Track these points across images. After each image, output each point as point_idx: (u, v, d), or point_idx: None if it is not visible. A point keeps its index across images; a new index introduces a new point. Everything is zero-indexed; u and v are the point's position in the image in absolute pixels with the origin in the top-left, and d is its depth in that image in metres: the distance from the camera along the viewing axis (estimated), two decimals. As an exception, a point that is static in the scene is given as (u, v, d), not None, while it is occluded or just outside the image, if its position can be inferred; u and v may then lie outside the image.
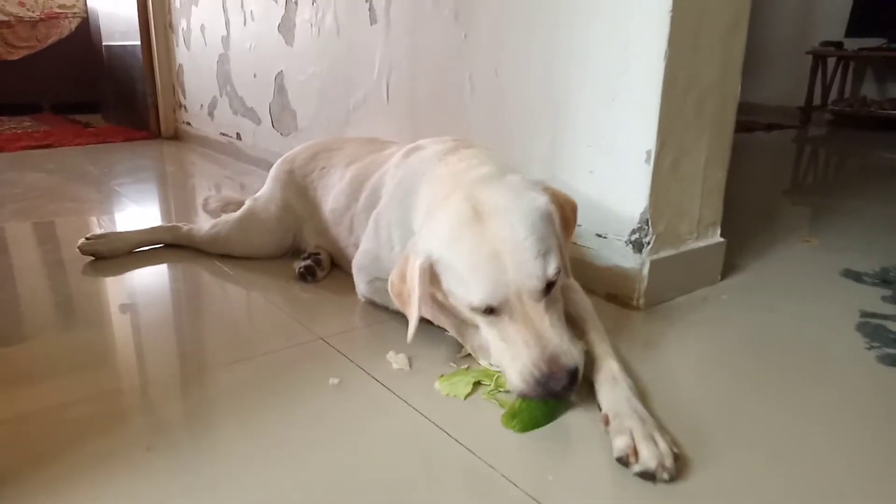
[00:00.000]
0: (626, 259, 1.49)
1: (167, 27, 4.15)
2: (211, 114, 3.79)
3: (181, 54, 4.06)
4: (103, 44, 5.04)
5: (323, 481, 0.90)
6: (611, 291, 1.52)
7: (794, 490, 0.89)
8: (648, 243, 1.46)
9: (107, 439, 1.00)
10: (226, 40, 3.42)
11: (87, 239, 1.85)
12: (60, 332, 1.41)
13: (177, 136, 4.36)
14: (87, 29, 5.42)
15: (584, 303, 1.25)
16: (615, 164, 1.47)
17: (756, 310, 1.51)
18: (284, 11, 2.81)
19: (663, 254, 1.50)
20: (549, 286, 1.03)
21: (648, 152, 1.41)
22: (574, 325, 1.16)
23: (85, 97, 5.70)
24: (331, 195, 1.72)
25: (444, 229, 1.08)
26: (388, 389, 1.13)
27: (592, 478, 0.92)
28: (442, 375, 1.13)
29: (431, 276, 1.09)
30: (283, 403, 1.10)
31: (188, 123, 4.17)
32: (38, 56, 5.88)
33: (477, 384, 1.00)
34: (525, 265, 1.01)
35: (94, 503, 0.85)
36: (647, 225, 1.45)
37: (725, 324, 1.44)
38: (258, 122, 3.25)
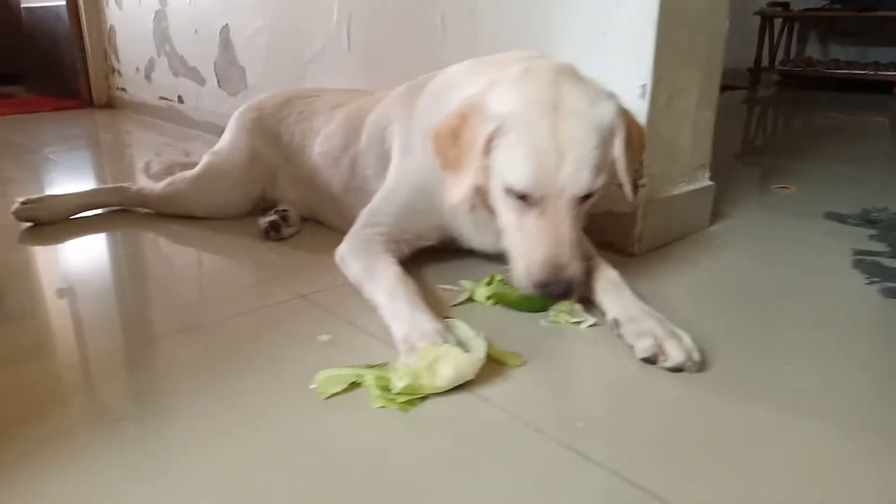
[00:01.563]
0: (621, 204, 1.42)
1: (95, -15, 3.83)
2: (148, 77, 3.53)
3: (112, 14, 3.76)
4: (22, 6, 4.63)
5: (335, 444, 0.80)
6: (605, 239, 1.45)
7: (808, 388, 0.87)
8: (644, 185, 1.39)
9: (71, 412, 0.86)
10: (162, -5, 3.17)
11: (22, 203, 1.65)
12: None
13: (110, 104, 4.06)
14: (2, -9, 4.97)
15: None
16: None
17: (750, 253, 1.48)
18: (228, -41, 2.60)
19: (657, 197, 1.44)
20: (587, 197, 1.04)
21: (643, 87, 1.33)
22: None
23: (4, 67, 5.25)
24: (317, 139, 1.59)
25: (523, 104, 1.03)
26: (387, 344, 1.02)
27: (620, 405, 0.85)
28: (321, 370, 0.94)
29: (488, 144, 1.04)
30: (270, 364, 0.98)
31: (122, 89, 3.88)
32: (-54, 22, 5.37)
33: (354, 384, 0.89)
34: (581, 172, 1.01)
35: (45, 485, 0.72)
36: (642, 166, 1.38)
37: (724, 267, 1.40)
38: (202, 82, 3.03)
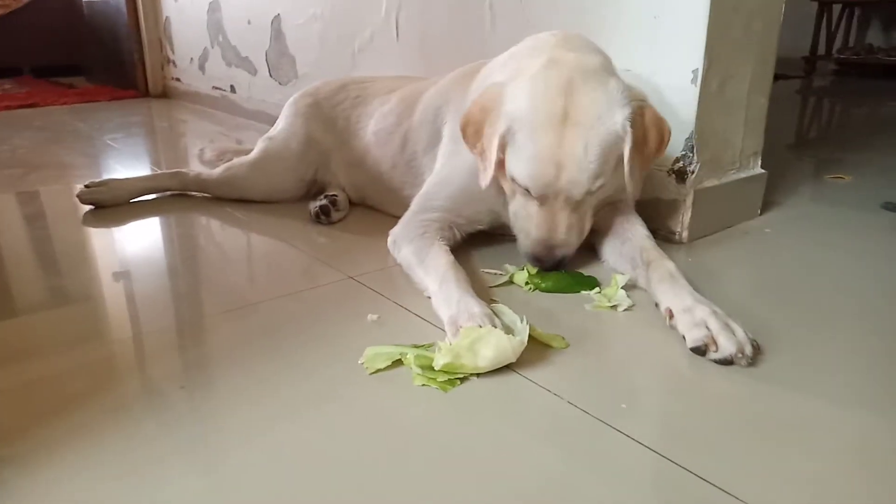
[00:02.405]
0: (668, 191, 1.41)
1: (152, -23, 3.95)
2: (202, 67, 3.63)
3: (168, 6, 3.87)
4: (84, 0, 4.81)
5: (380, 419, 0.83)
6: (652, 226, 1.43)
7: (861, 382, 0.85)
8: (693, 173, 1.38)
9: (127, 388, 0.91)
10: (216, -13, 3.25)
11: (86, 187, 1.73)
12: (65, 290, 1.31)
13: (165, 94, 4.19)
14: (66, -14, 5.18)
15: (634, 216, 1.29)
16: (658, 88, 1.37)
17: (803, 241, 1.45)
18: (281, -50, 2.65)
19: (706, 184, 1.42)
20: (589, 195, 1.13)
21: (695, 72, 1.31)
22: (625, 235, 1.25)
23: (67, 59, 5.47)
24: (372, 119, 1.64)
25: (532, 110, 1.10)
26: (434, 325, 1.05)
27: (666, 387, 0.86)
28: (370, 347, 0.97)
29: (502, 142, 1.14)
30: (319, 341, 1.01)
31: (177, 79, 4.00)
32: (15, 15, 5.62)
33: (398, 362, 0.92)
34: (578, 181, 1.10)
35: (92, 462, 0.77)
36: (692, 152, 1.37)
37: (775, 255, 1.37)
38: (254, 72, 3.10)
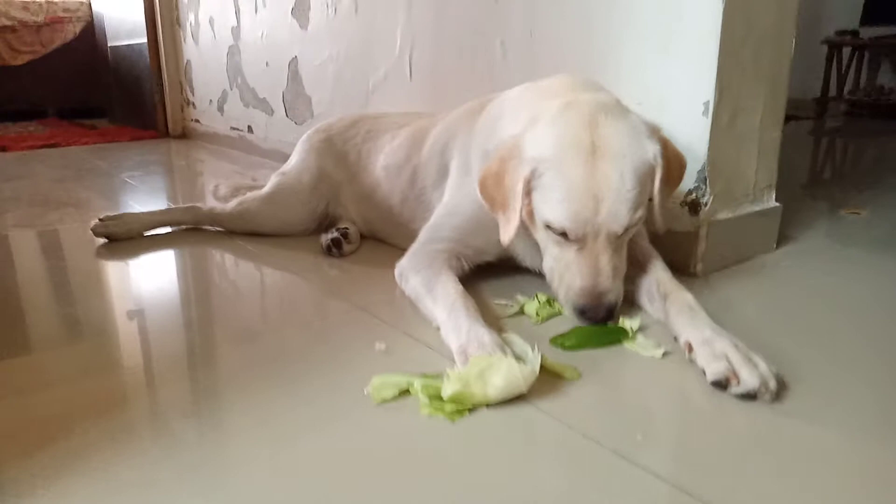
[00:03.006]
0: (682, 223, 1.39)
1: (174, 23, 4.08)
2: (221, 108, 3.71)
3: (189, 50, 3.98)
4: (108, 45, 4.97)
5: (384, 449, 0.80)
6: (666, 258, 1.41)
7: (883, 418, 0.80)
8: (706, 204, 1.37)
9: (135, 412, 0.90)
10: (236, 31, 3.35)
11: (100, 220, 1.75)
12: (77, 328, 1.31)
13: (185, 135, 4.27)
14: (91, 32, 5.36)
15: (648, 246, 1.26)
16: (669, 120, 1.36)
17: (822, 274, 1.42)
18: (298, -6, 2.73)
19: (720, 216, 1.40)
20: (626, 230, 1.07)
21: (706, 104, 1.31)
22: (641, 267, 1.20)
23: (91, 101, 5.63)
24: (382, 153, 1.65)
25: (557, 147, 1.06)
26: (440, 354, 1.03)
27: (683, 420, 0.82)
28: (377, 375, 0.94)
29: (526, 185, 1.08)
30: (326, 370, 1.00)
31: (196, 121, 4.09)
32: (42, 61, 5.81)
33: (405, 392, 0.89)
34: (617, 214, 1.04)
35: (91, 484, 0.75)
36: (705, 184, 1.36)
37: (793, 287, 1.35)
38: (271, 112, 3.16)
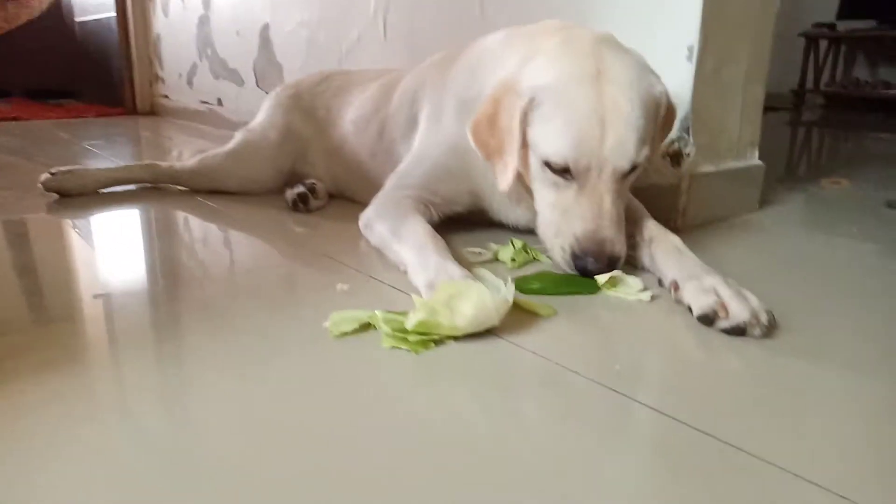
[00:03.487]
0: (664, 175, 1.34)
1: (144, -5, 3.94)
2: (190, 82, 3.59)
3: (159, 23, 3.85)
4: (76, 20, 4.81)
5: (340, 381, 0.73)
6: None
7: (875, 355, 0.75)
8: (689, 155, 1.31)
9: (92, 341, 0.82)
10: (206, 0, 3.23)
11: (51, 174, 1.64)
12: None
13: (153, 111, 4.14)
14: (59, 7, 5.18)
15: (631, 196, 1.15)
16: (653, 65, 1.31)
17: (808, 231, 1.39)
18: (271, -42, 2.64)
19: (703, 170, 1.35)
20: (631, 170, 0.98)
21: (691, 48, 1.26)
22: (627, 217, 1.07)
23: (59, 81, 5.42)
24: (351, 107, 1.58)
25: (559, 74, 0.97)
26: (406, 294, 0.95)
27: (668, 352, 0.76)
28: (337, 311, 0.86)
29: (524, 119, 0.98)
30: (285, 307, 0.92)
31: (165, 96, 3.96)
32: (6, 38, 5.60)
33: (368, 325, 0.81)
34: (625, 144, 0.95)
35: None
36: (688, 134, 1.30)
37: (779, 243, 1.30)
38: (241, 83, 3.06)
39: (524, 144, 1.01)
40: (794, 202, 1.64)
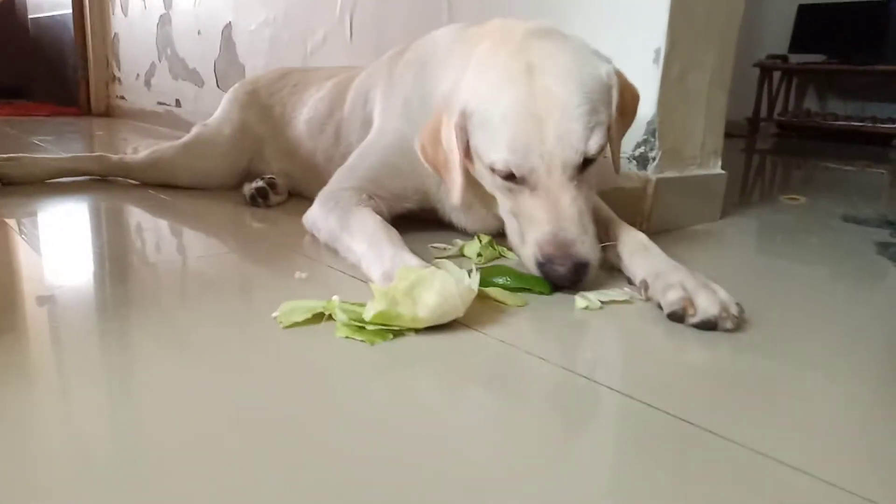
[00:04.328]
0: (630, 178, 1.33)
1: (103, -7, 3.84)
2: (148, 83, 3.49)
3: (117, 22, 3.75)
4: (29, 16, 4.66)
5: (285, 375, 0.68)
6: (611, 215, 1.36)
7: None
8: (654, 159, 1.31)
9: (39, 325, 0.75)
10: (168, -1, 3.16)
11: (-7, 160, 1.56)
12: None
13: (109, 113, 4.01)
14: (11, 2, 5.01)
15: (596, 197, 1.10)
16: (620, 67, 1.31)
17: (769, 239, 1.41)
18: (236, -43, 2.59)
19: (667, 174, 1.35)
20: (586, 164, 0.90)
21: (657, 51, 1.26)
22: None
23: (8, 79, 5.23)
24: (307, 106, 1.52)
25: (486, 80, 0.92)
26: (366, 284, 0.91)
27: (639, 345, 0.74)
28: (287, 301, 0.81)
29: (462, 133, 0.93)
30: (239, 297, 0.87)
31: (122, 97, 3.84)
32: (-47, 33, 5.38)
33: (321, 315, 0.76)
34: (569, 135, 0.87)
35: None
36: (654, 137, 1.30)
37: (742, 250, 1.32)
38: (201, 83, 2.98)
39: (468, 156, 0.97)
40: (753, 215, 1.66)
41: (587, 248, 0.88)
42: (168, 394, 0.60)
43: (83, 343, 0.71)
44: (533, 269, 0.92)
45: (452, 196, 0.98)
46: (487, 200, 1.04)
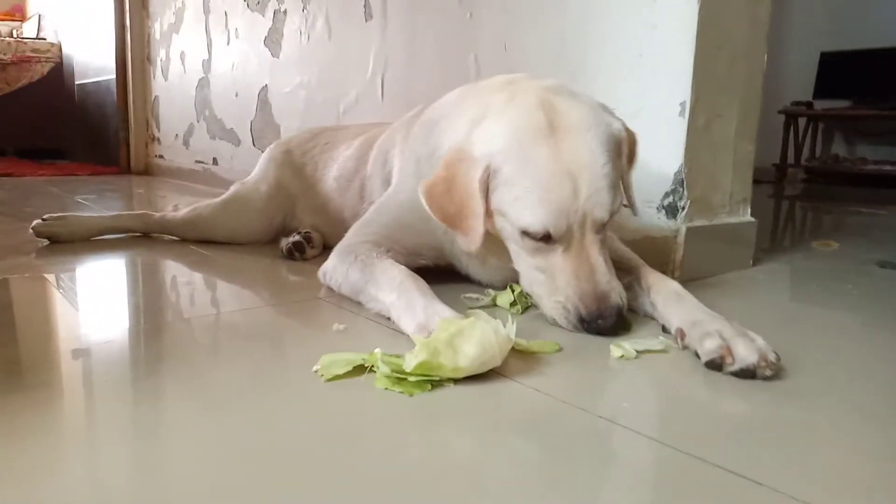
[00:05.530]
0: (659, 227, 1.35)
1: (145, 60, 4.05)
2: (186, 142, 3.63)
3: (158, 86, 3.94)
4: (76, 83, 4.91)
5: (332, 421, 0.70)
6: (642, 264, 1.36)
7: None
8: (683, 208, 1.32)
9: (81, 375, 0.78)
10: (207, 63, 3.32)
11: (42, 220, 1.64)
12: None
13: (148, 171, 4.17)
14: (60, 71, 5.30)
15: (624, 247, 1.15)
16: (645, 124, 1.34)
17: (802, 286, 1.39)
18: (272, 23, 2.72)
19: (697, 222, 1.36)
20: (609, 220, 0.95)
21: (682, 104, 1.29)
22: (617, 265, 1.04)
23: (53, 142, 5.48)
24: (335, 164, 1.58)
25: (511, 135, 0.94)
26: (404, 335, 0.93)
27: (676, 394, 0.74)
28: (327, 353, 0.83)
29: (482, 187, 0.94)
30: (278, 349, 0.90)
31: (160, 156, 4.00)
32: (5, 99, 5.69)
33: (361, 368, 0.78)
34: (599, 193, 0.92)
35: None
36: (682, 187, 1.32)
37: (776, 297, 1.30)
38: (237, 143, 3.10)
39: (488, 211, 0.97)
40: (785, 261, 1.65)
41: (619, 293, 0.94)
42: (196, 447, 0.62)
43: (116, 397, 0.74)
44: (560, 319, 0.95)
45: (471, 244, 0.97)
46: (501, 253, 1.05)
